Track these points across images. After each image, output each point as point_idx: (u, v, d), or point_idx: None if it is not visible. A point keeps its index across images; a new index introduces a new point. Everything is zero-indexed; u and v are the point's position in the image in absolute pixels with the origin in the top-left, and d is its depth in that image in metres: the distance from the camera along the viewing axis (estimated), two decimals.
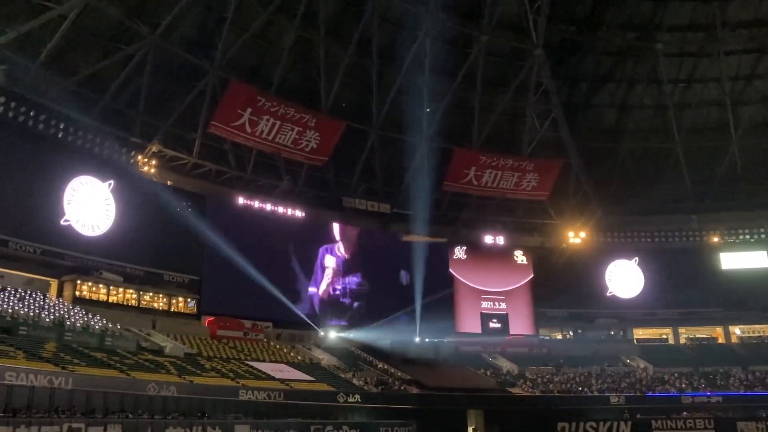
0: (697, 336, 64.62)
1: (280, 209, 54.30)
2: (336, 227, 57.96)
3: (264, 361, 45.20)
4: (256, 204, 53.16)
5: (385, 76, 56.22)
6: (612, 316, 64.08)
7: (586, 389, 52.64)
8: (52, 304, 38.33)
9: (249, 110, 49.95)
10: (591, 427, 47.92)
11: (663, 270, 63.16)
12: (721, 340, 63.97)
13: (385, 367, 50.90)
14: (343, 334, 54.61)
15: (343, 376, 46.75)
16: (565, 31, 58.78)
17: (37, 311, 36.00)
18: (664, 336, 65.38)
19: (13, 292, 37.03)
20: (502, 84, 59.27)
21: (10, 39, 39.17)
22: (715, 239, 64.82)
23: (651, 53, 59.33)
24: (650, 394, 52.30)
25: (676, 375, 55.50)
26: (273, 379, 41.33)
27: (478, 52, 56.21)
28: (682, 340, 64.63)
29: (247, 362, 43.43)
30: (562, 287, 61.47)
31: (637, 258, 65.10)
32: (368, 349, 54.01)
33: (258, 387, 38.13)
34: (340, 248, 57.80)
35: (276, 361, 45.93)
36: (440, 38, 55.71)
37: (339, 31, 53.76)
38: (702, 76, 61.48)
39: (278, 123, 51.54)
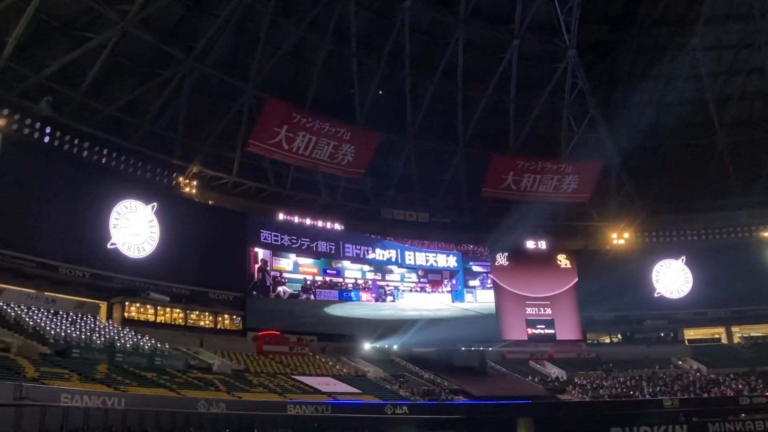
0: (752, 335, 62.69)
1: (320, 223, 54.72)
2: None
3: (310, 375, 45.33)
4: (296, 219, 53.66)
5: (419, 85, 56.29)
6: (661, 318, 62.65)
7: (637, 393, 51.46)
8: (102, 327, 39.23)
9: (285, 127, 50.43)
10: (645, 431, 46.85)
11: (712, 268, 61.35)
12: None
13: (431, 377, 50.57)
14: (387, 345, 54.47)
15: (389, 387, 46.58)
16: (598, 30, 58.14)
17: (88, 334, 36.88)
18: (717, 336, 63.63)
19: (65, 315, 38.05)
20: (537, 87, 58.68)
21: (54, 70, 40.37)
22: (765, 234, 62.93)
23: (688, 47, 58.20)
24: (705, 395, 50.89)
25: (731, 376, 53.83)
26: (320, 392, 41.40)
27: (510, 57, 55.95)
28: (736, 340, 62.78)
29: (293, 377, 43.62)
30: (608, 290, 60.06)
31: (684, 257, 63.54)
32: (413, 359, 53.80)
33: (305, 401, 38.17)
34: None
35: (322, 375, 46.02)
36: (472, 45, 55.71)
37: (371, 43, 54.04)
38: (742, 68, 60.00)
39: (314, 138, 51.93)
